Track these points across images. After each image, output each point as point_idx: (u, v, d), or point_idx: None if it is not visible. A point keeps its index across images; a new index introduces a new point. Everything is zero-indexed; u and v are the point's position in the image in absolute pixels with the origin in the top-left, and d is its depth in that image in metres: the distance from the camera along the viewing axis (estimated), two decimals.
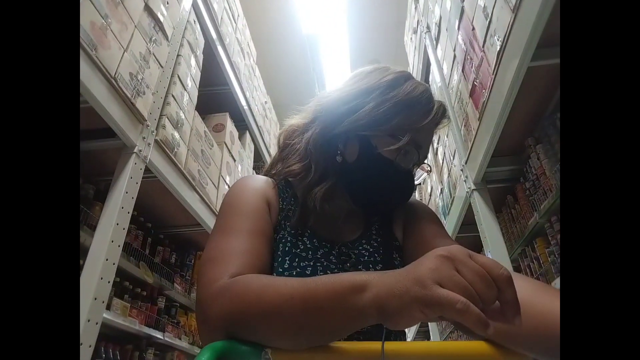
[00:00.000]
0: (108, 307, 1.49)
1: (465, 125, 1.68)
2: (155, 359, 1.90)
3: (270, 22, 3.68)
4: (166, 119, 1.62)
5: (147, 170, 1.60)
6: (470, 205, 1.76)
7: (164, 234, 2.13)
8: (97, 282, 1.13)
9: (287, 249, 0.63)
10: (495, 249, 1.55)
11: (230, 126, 2.46)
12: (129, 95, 1.35)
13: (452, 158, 1.99)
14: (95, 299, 1.12)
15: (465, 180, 1.75)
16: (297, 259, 0.62)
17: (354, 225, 0.72)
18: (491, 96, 1.33)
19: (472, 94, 1.53)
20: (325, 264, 0.63)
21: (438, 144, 2.31)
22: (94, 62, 1.18)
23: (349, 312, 0.39)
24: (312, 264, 0.62)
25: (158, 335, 1.83)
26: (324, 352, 0.43)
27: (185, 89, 1.84)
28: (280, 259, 0.61)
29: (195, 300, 0.53)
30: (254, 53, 3.20)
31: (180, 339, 2.06)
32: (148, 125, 1.48)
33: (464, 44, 1.56)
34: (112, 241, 1.22)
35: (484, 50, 1.35)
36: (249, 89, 2.94)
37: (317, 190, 0.65)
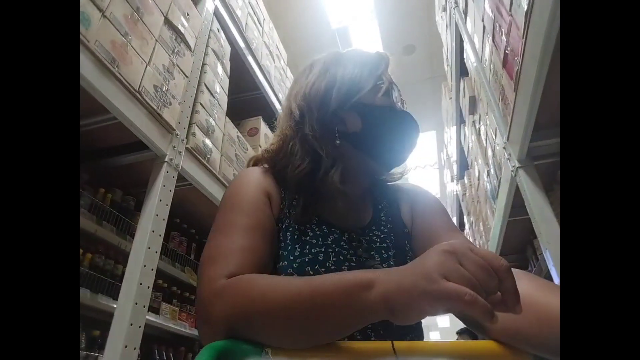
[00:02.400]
0: (157, 312, 1.56)
1: (502, 100, 1.55)
2: None
3: (298, 21, 3.69)
4: (196, 127, 1.66)
5: (182, 178, 1.67)
6: (517, 186, 1.63)
7: None
8: (136, 287, 1.18)
9: (295, 237, 0.62)
10: (548, 230, 1.41)
11: (264, 129, 2.49)
12: (155, 107, 1.40)
13: (494, 137, 1.85)
14: (136, 303, 1.17)
15: (508, 159, 1.61)
16: (307, 246, 0.61)
17: (363, 212, 0.71)
18: (524, 62, 1.21)
19: (504, 64, 1.41)
20: (337, 249, 0.62)
21: (480, 123, 2.16)
22: (117, 79, 1.23)
23: (358, 309, 0.39)
24: (323, 250, 0.61)
25: None
26: (327, 352, 0.43)
27: (213, 97, 1.88)
28: (289, 247, 0.60)
29: (196, 300, 0.52)
30: (284, 55, 3.22)
31: None
32: (177, 135, 1.53)
33: (491, 12, 1.44)
34: (149, 248, 1.27)
35: (511, 14, 1.23)
36: (282, 92, 2.96)
37: (332, 173, 0.65)
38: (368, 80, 0.69)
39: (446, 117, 3.45)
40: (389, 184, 0.81)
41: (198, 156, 1.64)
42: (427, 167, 5.83)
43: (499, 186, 1.91)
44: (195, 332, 1.78)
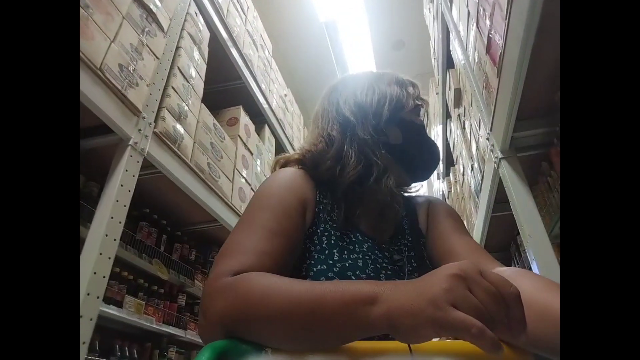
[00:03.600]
0: (120, 305, 1.47)
1: (485, 88, 1.50)
2: (179, 357, 1.87)
3: (285, 13, 3.62)
4: (166, 111, 1.58)
5: (151, 165, 1.58)
6: (500, 179, 1.57)
7: (183, 231, 2.11)
8: (89, 276, 1.09)
9: (332, 242, 0.62)
10: (531, 225, 1.35)
11: (244, 119, 2.41)
12: (119, 87, 1.31)
13: (477, 128, 1.80)
14: (89, 294, 1.08)
15: (492, 150, 1.56)
16: (345, 252, 0.62)
17: (389, 223, 0.73)
18: (507, 45, 1.16)
19: (488, 49, 1.36)
20: (372, 257, 0.63)
21: (465, 116, 2.11)
22: None
23: (358, 324, 0.39)
24: (361, 256, 0.62)
25: (179, 333, 1.80)
26: (342, 350, 0.42)
27: (187, 81, 1.79)
28: (327, 252, 0.61)
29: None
30: (269, 45, 3.14)
31: None
32: (144, 117, 1.44)
33: None
34: (107, 235, 1.18)
35: None
36: (265, 82, 2.88)
37: (385, 178, 0.67)
38: (409, 100, 0.75)
39: (433, 114, 3.41)
40: (405, 195, 0.83)
41: (167, 142, 1.55)
42: None
43: (482, 180, 1.86)
44: (163, 327, 1.69)
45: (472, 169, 2.08)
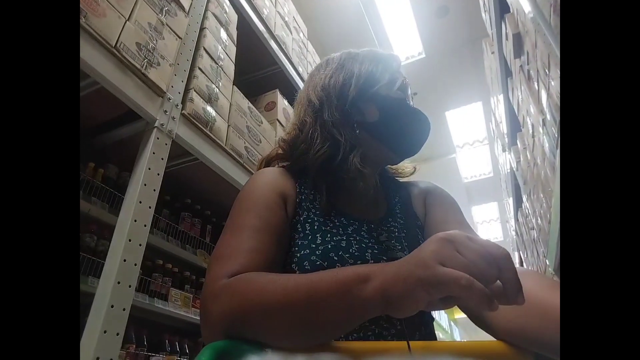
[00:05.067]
0: (165, 298, 1.40)
1: (554, 10, 1.23)
2: None
3: None
4: (194, 92, 1.50)
5: (188, 153, 1.52)
6: None
7: None
8: (119, 264, 1.02)
9: (315, 227, 0.63)
10: None
11: (282, 103, 2.30)
12: (138, 66, 1.24)
13: (547, 71, 1.51)
14: (119, 282, 1.01)
15: None
16: (329, 235, 0.62)
17: (378, 205, 0.74)
18: None
19: None
20: (358, 238, 0.63)
21: (529, 64, 1.81)
22: (86, 31, 1.08)
23: (354, 303, 0.39)
24: (345, 238, 0.62)
25: None
26: (341, 350, 0.43)
27: (215, 62, 1.71)
28: (310, 237, 0.61)
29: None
30: (303, 28, 3.01)
31: None
32: (170, 99, 1.37)
33: None
34: (135, 220, 1.10)
35: None
36: (302, 65, 2.75)
37: (352, 156, 0.66)
38: (383, 74, 0.73)
39: (490, 78, 3.06)
40: (401, 180, 0.83)
41: (198, 124, 1.47)
42: (476, 144, 5.36)
43: (559, 131, 1.56)
44: None
45: (545, 123, 1.78)
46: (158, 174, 1.24)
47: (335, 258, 0.58)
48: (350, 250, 0.60)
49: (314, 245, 0.59)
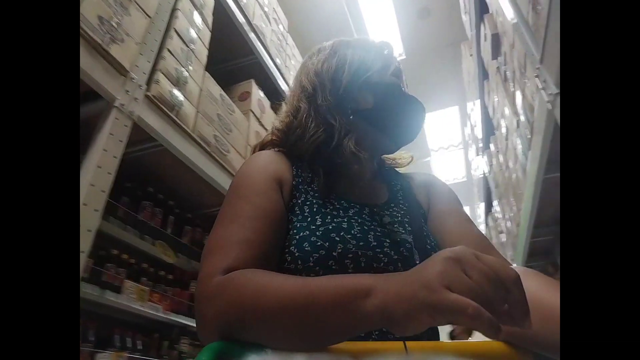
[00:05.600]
0: (118, 291, 1.32)
1: (533, 8, 1.22)
2: (193, 349, 1.71)
3: None
4: (160, 74, 1.42)
5: (152, 139, 1.43)
6: (556, 125, 1.29)
7: (195, 214, 1.96)
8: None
9: (315, 209, 0.61)
10: None
11: (257, 94, 2.23)
12: (99, 41, 1.15)
13: (523, 71, 1.51)
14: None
15: (543, 88, 1.27)
16: (329, 217, 0.60)
17: (379, 191, 0.72)
18: None
19: None
20: (359, 220, 0.61)
21: (506, 64, 1.82)
22: None
23: (353, 318, 0.38)
24: (346, 220, 0.60)
25: (193, 323, 1.64)
26: (338, 349, 0.42)
27: (187, 46, 1.63)
28: (309, 219, 0.59)
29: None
30: (283, 20, 2.95)
31: None
32: (134, 79, 1.28)
33: None
34: (85, 204, 1.02)
35: None
36: (281, 57, 2.69)
37: (346, 140, 0.65)
38: (376, 60, 0.72)
39: (467, 81, 3.09)
40: (400, 171, 0.82)
41: (163, 107, 1.39)
42: (451, 148, 5.43)
43: (531, 133, 1.57)
44: (172, 316, 1.54)
45: (518, 125, 1.79)
46: (115, 157, 1.16)
47: (337, 239, 0.56)
48: (352, 231, 0.58)
49: (313, 227, 0.57)
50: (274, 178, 0.62)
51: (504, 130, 2.21)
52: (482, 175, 3.72)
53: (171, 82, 1.47)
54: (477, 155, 3.59)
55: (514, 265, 0.53)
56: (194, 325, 1.72)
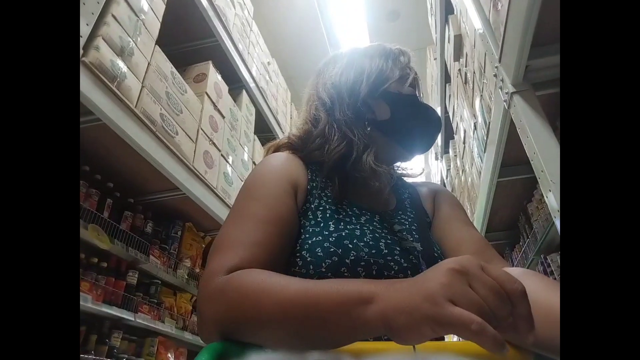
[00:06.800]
0: None
1: (494, 6, 1.21)
2: (128, 344, 1.58)
3: None
4: (101, 40, 1.29)
5: (90, 112, 1.30)
6: (512, 125, 1.29)
7: (138, 200, 1.82)
8: None
9: (328, 215, 0.61)
10: (554, 167, 1.07)
11: (214, 77, 2.12)
12: None
13: (483, 71, 1.51)
14: None
15: (500, 87, 1.27)
16: (342, 223, 0.60)
17: (388, 199, 0.72)
18: None
19: None
20: (371, 227, 0.62)
21: (467, 66, 1.82)
22: None
23: (353, 324, 0.38)
24: (358, 227, 0.60)
25: (127, 316, 1.51)
26: (346, 348, 0.41)
27: (136, 15, 1.50)
28: (322, 224, 0.59)
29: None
30: (248, 5, 2.85)
31: (163, 322, 1.73)
32: None
33: None
34: None
35: None
36: (243, 43, 2.59)
37: (365, 155, 0.65)
38: (394, 70, 0.71)
39: (431, 85, 3.12)
40: (407, 180, 0.83)
41: (102, 76, 1.26)
42: None
43: (487, 134, 1.57)
44: (103, 308, 1.40)
45: (476, 127, 1.79)
46: None
47: (350, 246, 0.56)
48: (365, 239, 0.58)
49: (326, 232, 0.58)
50: (289, 181, 0.62)
51: (462, 133, 2.23)
52: (440, 180, 3.78)
53: (114, 51, 1.34)
54: (436, 159, 3.64)
55: (514, 266, 0.51)
56: (130, 318, 1.60)
